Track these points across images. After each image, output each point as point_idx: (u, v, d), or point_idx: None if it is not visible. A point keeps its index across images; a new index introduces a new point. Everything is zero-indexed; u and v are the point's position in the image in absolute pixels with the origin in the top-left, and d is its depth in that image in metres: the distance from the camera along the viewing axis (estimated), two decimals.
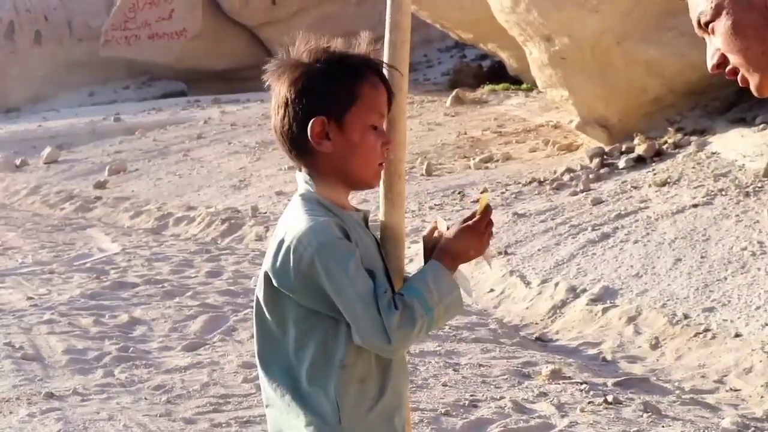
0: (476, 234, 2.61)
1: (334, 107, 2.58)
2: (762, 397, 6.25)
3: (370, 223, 2.70)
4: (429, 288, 2.51)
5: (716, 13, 2.33)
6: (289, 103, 2.60)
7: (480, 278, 9.52)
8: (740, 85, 2.39)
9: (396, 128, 2.68)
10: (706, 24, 2.35)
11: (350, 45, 2.69)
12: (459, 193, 12.82)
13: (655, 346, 7.40)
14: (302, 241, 2.50)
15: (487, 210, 2.64)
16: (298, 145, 2.62)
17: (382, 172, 2.68)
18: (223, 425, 5.91)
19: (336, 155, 2.59)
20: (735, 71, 2.36)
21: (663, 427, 5.70)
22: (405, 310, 2.46)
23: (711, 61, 2.38)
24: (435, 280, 2.52)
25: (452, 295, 2.54)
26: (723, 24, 2.33)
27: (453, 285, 2.55)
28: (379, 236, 2.69)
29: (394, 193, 2.69)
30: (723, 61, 2.36)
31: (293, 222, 2.57)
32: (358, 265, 2.48)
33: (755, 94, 2.39)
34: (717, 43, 2.35)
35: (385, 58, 2.69)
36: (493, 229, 2.69)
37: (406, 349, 2.58)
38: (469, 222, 2.62)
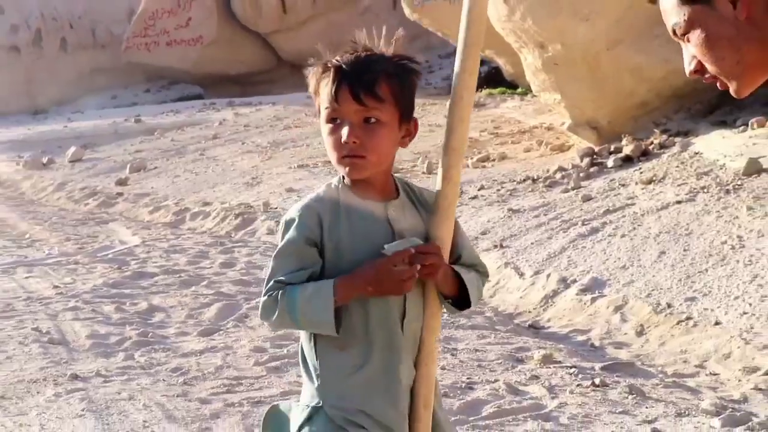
0: (379, 271, 2.63)
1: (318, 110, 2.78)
2: (739, 380, 6.27)
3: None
4: (307, 302, 2.61)
5: (689, 26, 2.33)
6: None
7: None
8: (719, 88, 2.41)
9: (453, 135, 2.77)
10: (682, 34, 2.37)
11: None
12: None
13: (640, 333, 7.41)
14: (286, 211, 2.78)
15: (405, 252, 2.64)
16: None
17: (439, 178, 2.78)
18: (236, 405, 5.94)
19: None
20: (714, 76, 2.38)
21: (646, 408, 5.72)
22: (271, 301, 2.66)
23: (689, 67, 2.40)
24: (315, 300, 2.61)
25: (319, 317, 2.61)
26: (697, 36, 2.33)
27: (324, 312, 2.60)
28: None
29: (441, 197, 2.75)
30: (700, 67, 2.37)
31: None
32: (288, 249, 2.69)
33: (734, 96, 2.42)
34: (693, 50, 2.37)
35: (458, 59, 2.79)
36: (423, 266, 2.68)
37: (273, 325, 2.79)
38: (383, 259, 2.64)
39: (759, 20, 2.25)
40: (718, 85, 2.39)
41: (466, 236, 2.96)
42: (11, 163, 24.13)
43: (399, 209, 2.74)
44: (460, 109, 2.76)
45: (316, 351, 2.70)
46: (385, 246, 2.64)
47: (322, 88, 2.70)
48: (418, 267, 2.63)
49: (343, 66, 2.68)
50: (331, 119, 2.69)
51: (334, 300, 2.60)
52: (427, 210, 2.78)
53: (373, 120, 2.67)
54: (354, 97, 2.65)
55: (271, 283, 2.66)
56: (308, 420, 2.68)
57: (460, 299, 2.80)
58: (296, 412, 2.75)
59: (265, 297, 2.66)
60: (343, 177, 2.75)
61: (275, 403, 2.90)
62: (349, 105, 2.65)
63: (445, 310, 2.85)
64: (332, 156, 2.71)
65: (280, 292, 2.63)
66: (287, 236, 2.69)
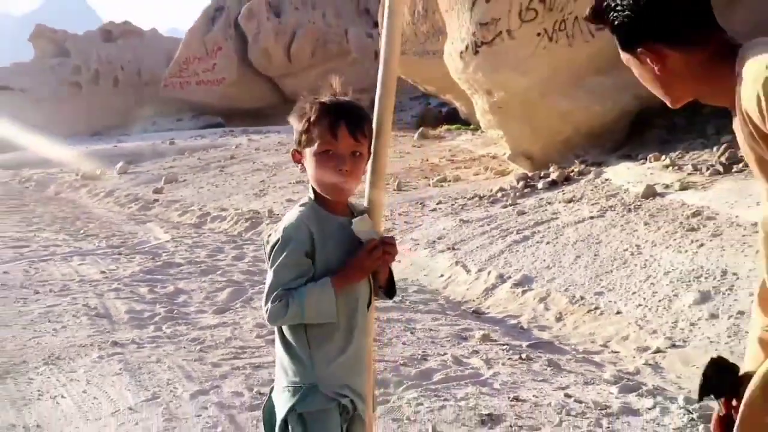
0: (362, 259, 2.64)
1: (299, 143, 2.70)
2: (634, 357, 6.29)
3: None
4: (314, 299, 2.56)
5: (628, 65, 2.42)
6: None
7: (434, 267, 9.54)
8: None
9: (381, 133, 2.70)
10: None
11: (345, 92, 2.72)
12: (420, 203, 12.84)
13: (559, 319, 7.42)
14: (276, 229, 2.65)
15: (375, 241, 2.66)
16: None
17: (366, 185, 2.72)
18: (241, 368, 5.92)
19: (309, 175, 2.69)
20: None
21: (561, 377, 5.72)
22: (280, 306, 2.56)
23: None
24: (320, 296, 2.57)
25: (326, 311, 2.59)
26: (634, 72, 2.42)
27: (329, 305, 2.58)
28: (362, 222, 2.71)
29: (376, 175, 2.73)
30: None
31: (285, 216, 2.71)
32: (289, 262, 2.58)
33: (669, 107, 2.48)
34: None
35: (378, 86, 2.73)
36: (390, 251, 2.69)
37: (279, 323, 2.64)
38: (364, 250, 2.65)
39: (675, 75, 2.30)
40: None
41: None
42: (72, 174, 24.06)
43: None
44: (382, 137, 2.72)
45: (308, 343, 2.64)
46: (353, 220, 2.65)
47: (318, 124, 2.62)
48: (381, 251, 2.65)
49: (340, 107, 2.65)
50: (325, 151, 2.61)
51: (335, 292, 2.58)
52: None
53: (358, 153, 2.65)
54: (351, 134, 2.61)
55: (279, 290, 2.57)
56: (305, 396, 2.62)
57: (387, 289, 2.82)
58: (284, 393, 2.67)
59: (275, 303, 2.56)
60: (315, 198, 2.70)
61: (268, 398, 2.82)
62: (346, 141, 2.60)
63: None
64: (323, 180, 2.65)
65: (287, 297, 2.55)
66: (287, 251, 2.59)
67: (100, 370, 5.97)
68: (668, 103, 2.43)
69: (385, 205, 2.82)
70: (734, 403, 2.36)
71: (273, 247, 2.62)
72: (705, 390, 2.39)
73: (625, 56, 2.40)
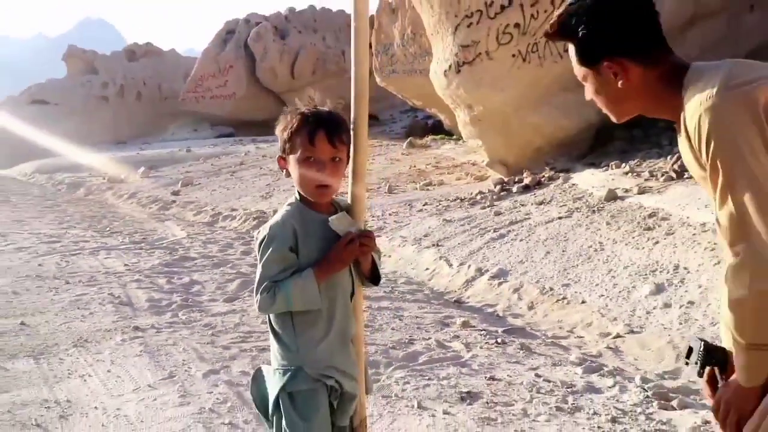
0: (339, 250, 2.59)
1: (284, 150, 2.66)
2: (597, 342, 6.29)
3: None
4: (299, 288, 2.53)
5: (584, 80, 2.35)
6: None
7: (420, 261, 9.53)
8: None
9: (358, 133, 2.63)
10: (582, 80, 2.38)
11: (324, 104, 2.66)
12: (408, 205, 12.83)
13: (531, 307, 7.43)
14: (264, 228, 2.64)
15: (352, 234, 2.61)
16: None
17: (349, 180, 2.66)
18: (248, 350, 5.91)
19: (293, 179, 2.66)
20: None
21: (532, 359, 5.72)
22: (268, 296, 2.54)
23: (588, 96, 2.40)
24: (304, 287, 2.54)
25: (310, 299, 2.55)
26: (588, 87, 2.36)
27: (313, 293, 2.55)
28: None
29: (356, 172, 2.66)
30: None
31: (274, 215, 2.70)
32: (275, 257, 2.56)
33: (614, 121, 2.42)
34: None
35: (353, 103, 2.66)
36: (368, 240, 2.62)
37: (268, 312, 2.62)
38: (341, 243, 2.60)
39: (633, 88, 2.26)
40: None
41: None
42: (100, 178, 24.01)
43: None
44: (360, 137, 2.63)
45: (294, 330, 2.63)
46: (330, 218, 2.60)
47: (300, 132, 2.59)
48: (358, 244, 2.60)
49: (319, 117, 2.60)
50: (306, 157, 2.59)
51: (317, 282, 2.55)
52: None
53: (337, 159, 2.60)
54: (329, 141, 2.57)
55: (266, 282, 2.55)
56: (293, 377, 2.61)
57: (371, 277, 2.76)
58: (275, 374, 2.66)
59: (263, 294, 2.54)
60: (300, 198, 2.68)
61: (259, 366, 2.83)
62: (325, 147, 2.57)
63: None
64: (306, 185, 2.62)
65: (275, 288, 2.54)
66: (273, 247, 2.56)
67: (123, 352, 5.94)
68: (613, 118, 2.37)
69: (367, 200, 2.79)
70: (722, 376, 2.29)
71: (261, 243, 2.60)
72: (708, 360, 2.31)
73: (582, 70, 2.32)
